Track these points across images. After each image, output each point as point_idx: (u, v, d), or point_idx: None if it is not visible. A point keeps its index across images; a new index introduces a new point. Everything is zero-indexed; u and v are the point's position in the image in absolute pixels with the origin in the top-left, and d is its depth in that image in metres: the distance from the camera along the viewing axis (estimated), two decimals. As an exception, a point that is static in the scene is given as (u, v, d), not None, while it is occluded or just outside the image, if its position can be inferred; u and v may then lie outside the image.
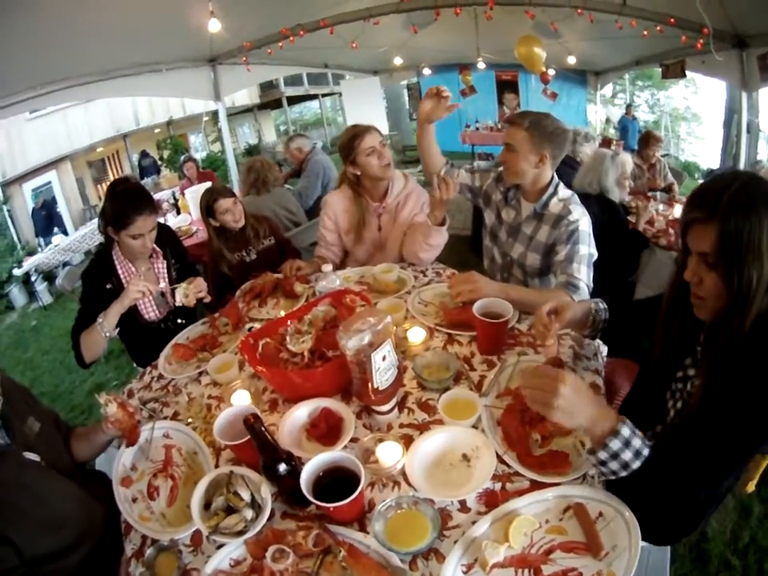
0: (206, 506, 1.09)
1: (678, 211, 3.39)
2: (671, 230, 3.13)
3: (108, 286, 1.92)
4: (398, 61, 6.97)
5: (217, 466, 1.27)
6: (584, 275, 1.64)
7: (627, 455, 0.89)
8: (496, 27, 5.02)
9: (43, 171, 9.15)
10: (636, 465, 0.90)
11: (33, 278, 6.65)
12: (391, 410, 1.25)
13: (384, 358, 1.16)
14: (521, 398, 1.14)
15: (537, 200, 1.80)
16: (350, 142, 2.02)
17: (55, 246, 6.94)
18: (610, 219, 2.75)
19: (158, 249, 2.03)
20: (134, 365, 2.42)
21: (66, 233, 7.55)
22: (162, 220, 3.61)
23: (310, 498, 1.00)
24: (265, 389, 1.48)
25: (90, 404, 3.82)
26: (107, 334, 1.78)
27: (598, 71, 7.82)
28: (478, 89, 7.88)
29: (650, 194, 3.95)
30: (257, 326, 1.60)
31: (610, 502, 0.94)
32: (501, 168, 1.91)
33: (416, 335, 1.53)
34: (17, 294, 7.00)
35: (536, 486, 1.02)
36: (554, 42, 5.86)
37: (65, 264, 6.69)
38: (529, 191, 1.83)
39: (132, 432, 1.33)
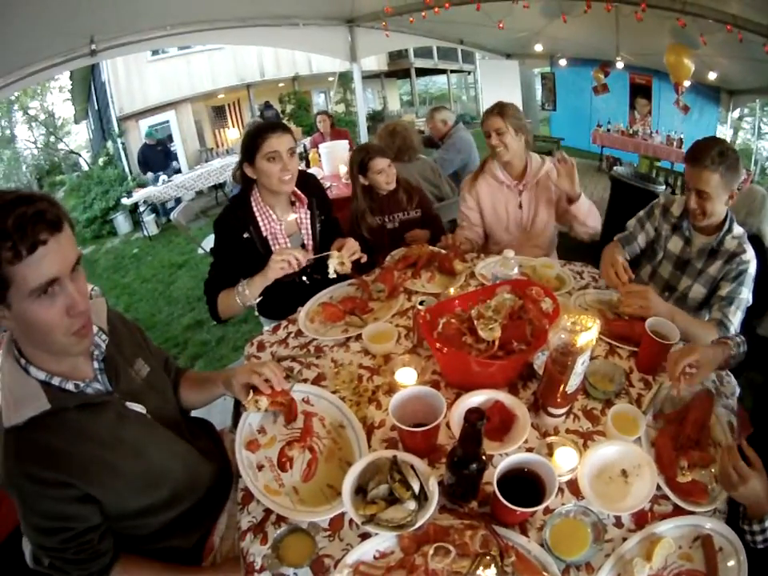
0: (357, 490, 1.02)
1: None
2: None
3: (245, 236, 1.78)
4: (538, 47, 6.59)
5: (369, 446, 1.18)
6: (737, 321, 1.61)
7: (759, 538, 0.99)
8: (637, 28, 4.67)
9: (161, 110, 9.43)
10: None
11: (141, 209, 6.97)
12: (562, 414, 1.22)
13: (583, 363, 1.10)
14: (674, 424, 1.19)
15: (713, 235, 1.72)
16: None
17: (169, 180, 7.18)
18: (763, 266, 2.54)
19: (302, 195, 1.87)
20: (255, 312, 2.38)
21: (176, 172, 7.88)
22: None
23: (505, 503, 0.92)
24: (424, 368, 1.38)
25: (185, 338, 3.92)
26: (246, 304, 1.66)
27: (733, 90, 7.08)
28: (610, 89, 7.43)
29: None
30: (426, 299, 1.50)
31: (731, 540, 0.98)
32: (662, 200, 1.88)
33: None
34: (122, 222, 7.44)
35: (677, 511, 1.04)
36: (693, 53, 5.38)
37: (177, 200, 6.97)
38: (705, 226, 1.73)
39: (290, 409, 1.25)
